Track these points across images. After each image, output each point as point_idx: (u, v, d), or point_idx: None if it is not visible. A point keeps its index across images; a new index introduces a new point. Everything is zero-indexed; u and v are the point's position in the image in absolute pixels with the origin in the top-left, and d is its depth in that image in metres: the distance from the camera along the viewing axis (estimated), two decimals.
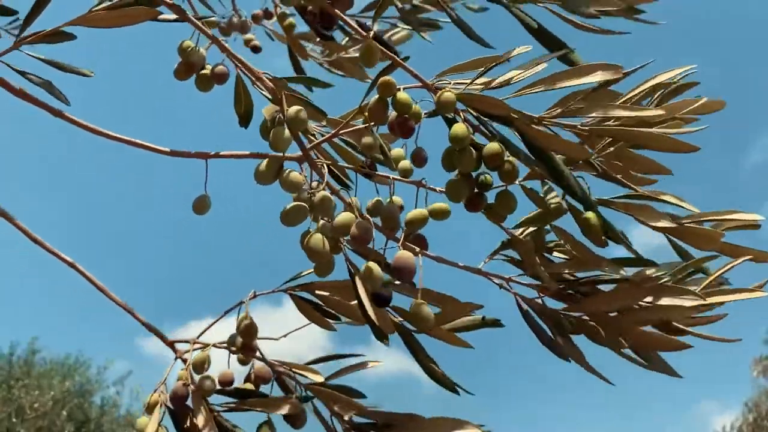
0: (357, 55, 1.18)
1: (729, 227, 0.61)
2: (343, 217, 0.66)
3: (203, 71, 0.81)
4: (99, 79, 0.76)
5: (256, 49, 1.34)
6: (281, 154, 0.70)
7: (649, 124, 0.59)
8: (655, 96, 0.66)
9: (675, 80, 0.64)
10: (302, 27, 1.22)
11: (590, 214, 0.63)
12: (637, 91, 0.63)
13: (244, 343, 0.69)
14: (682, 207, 0.63)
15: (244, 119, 0.86)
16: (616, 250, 0.66)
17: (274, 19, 1.26)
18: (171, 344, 0.72)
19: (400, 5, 0.83)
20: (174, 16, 0.78)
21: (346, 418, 0.65)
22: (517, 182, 0.68)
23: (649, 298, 0.57)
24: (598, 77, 0.60)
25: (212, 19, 0.84)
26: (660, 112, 0.57)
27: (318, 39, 1.13)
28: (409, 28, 1.08)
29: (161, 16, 0.77)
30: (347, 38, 1.14)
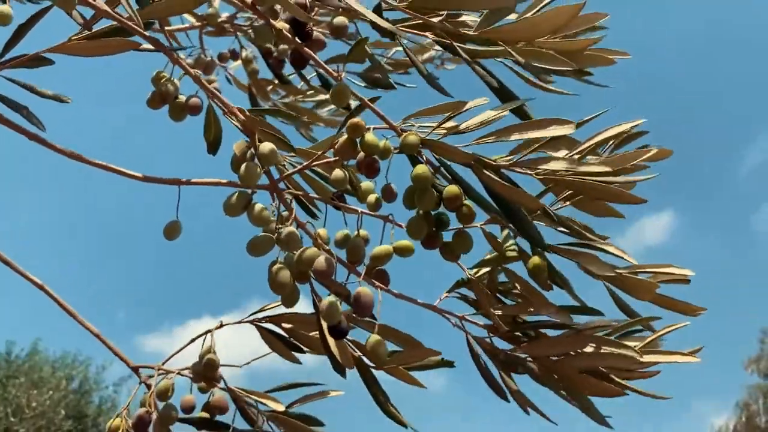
0: (313, 101, 1.22)
1: (663, 280, 0.66)
2: (307, 251, 0.69)
3: (176, 101, 0.83)
4: (76, 104, 0.78)
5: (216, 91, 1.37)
6: (250, 187, 0.73)
7: (593, 175, 0.62)
8: (609, 144, 0.71)
9: (627, 132, 0.67)
10: (264, 73, 1.25)
11: (536, 258, 0.67)
12: (592, 142, 0.67)
13: (206, 373, 0.72)
14: (623, 258, 0.67)
15: (213, 146, 0.88)
16: (563, 295, 0.70)
17: (238, 61, 1.29)
18: (135, 369, 0.74)
19: (369, 61, 0.87)
20: (150, 47, 0.80)
21: None
22: (477, 225, 0.71)
23: (589, 348, 0.61)
24: (551, 132, 0.63)
25: (182, 57, 0.87)
26: (604, 168, 0.61)
27: (277, 82, 1.16)
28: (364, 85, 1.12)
29: (141, 46, 0.79)
30: (303, 83, 1.18)
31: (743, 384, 10.00)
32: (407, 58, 1.15)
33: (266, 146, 0.71)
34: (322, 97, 1.21)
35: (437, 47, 0.87)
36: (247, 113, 0.73)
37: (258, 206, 0.71)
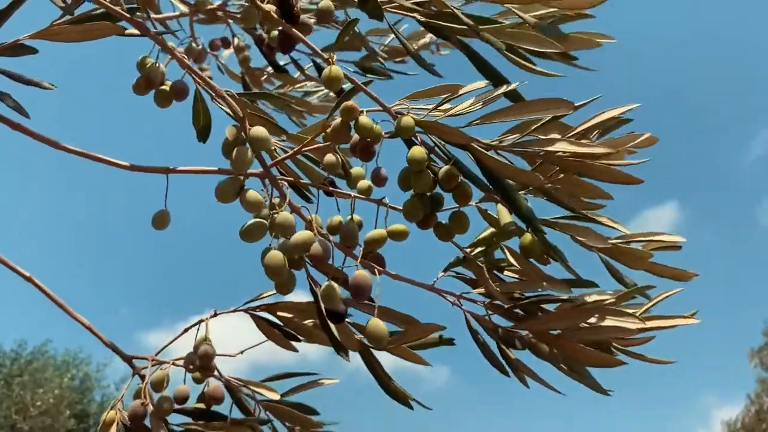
0: (308, 91, 1.20)
1: (655, 248, 0.67)
2: (301, 235, 0.68)
3: (162, 87, 0.82)
4: (59, 92, 0.76)
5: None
6: (242, 173, 0.72)
7: (593, 158, 0.63)
8: (597, 131, 0.71)
9: (617, 117, 0.68)
10: (257, 62, 1.22)
11: (527, 236, 0.68)
12: (584, 126, 0.68)
13: (201, 363, 0.71)
14: (616, 229, 0.68)
15: (202, 134, 0.87)
16: (561, 273, 0.71)
17: (230, 50, 1.26)
18: (129, 360, 0.73)
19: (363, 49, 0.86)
20: (135, 31, 0.78)
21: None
22: (473, 203, 0.72)
23: (592, 320, 0.62)
24: (549, 112, 0.64)
25: (170, 44, 0.84)
26: (605, 150, 0.61)
27: (272, 71, 1.14)
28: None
29: (126, 31, 0.77)
30: (299, 73, 1.16)
31: (755, 377, 10.13)
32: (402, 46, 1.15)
33: (258, 130, 0.70)
34: (318, 86, 1.19)
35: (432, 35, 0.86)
36: (237, 96, 0.72)
37: (251, 191, 0.70)
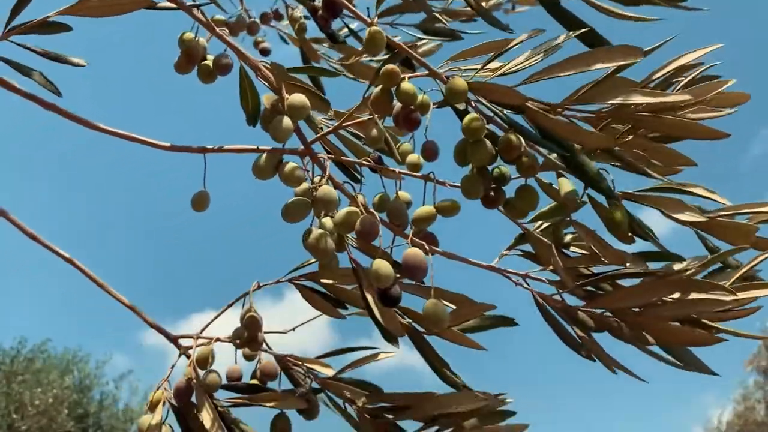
0: (372, 59, 1.14)
1: (761, 220, 0.57)
2: (346, 212, 0.62)
3: (204, 62, 0.78)
4: (92, 70, 0.73)
5: (265, 52, 1.30)
6: (281, 148, 0.66)
7: (672, 111, 0.55)
8: (676, 82, 0.62)
9: (698, 63, 0.59)
10: (314, 32, 1.17)
11: (617, 211, 0.59)
12: (657, 75, 0.60)
13: (249, 336, 0.66)
14: (713, 200, 0.59)
15: (252, 117, 0.82)
16: (635, 245, 0.63)
17: (285, 21, 1.22)
18: (174, 340, 0.68)
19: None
20: (170, 4, 0.74)
21: (359, 403, 0.62)
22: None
23: (675, 294, 0.53)
24: (616, 61, 0.56)
25: (219, 17, 0.80)
26: (686, 97, 0.53)
27: (331, 43, 1.09)
28: (433, 38, 1.03)
29: (159, 4, 0.74)
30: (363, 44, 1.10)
31: (741, 381, 9.85)
32: (467, 7, 1.07)
33: (296, 98, 0.65)
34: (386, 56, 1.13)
35: None
36: (272, 65, 0.67)
37: (290, 164, 0.65)
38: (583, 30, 0.58)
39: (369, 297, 0.59)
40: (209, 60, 0.78)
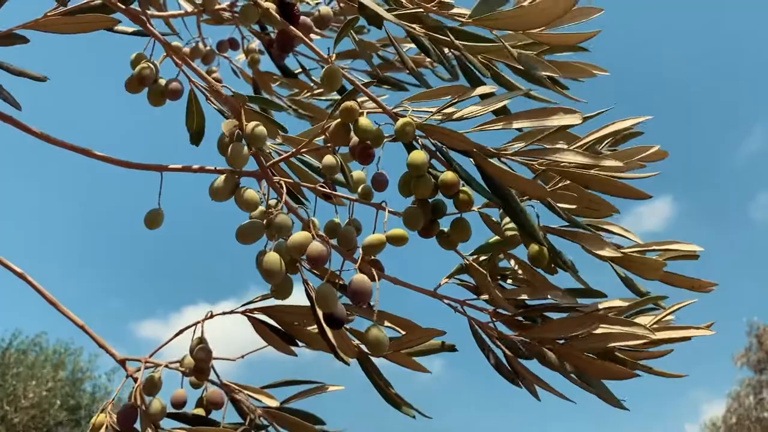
0: (327, 99, 1.17)
1: (670, 257, 0.65)
2: (299, 236, 0.66)
3: (155, 85, 0.79)
4: (50, 85, 0.74)
5: (216, 82, 1.30)
6: (238, 170, 0.69)
7: (602, 169, 0.62)
8: (606, 141, 0.70)
9: (629, 129, 0.67)
10: (267, 67, 1.20)
11: (535, 246, 0.66)
12: (593, 137, 0.67)
13: (197, 367, 0.68)
14: (627, 237, 0.67)
15: (196, 137, 0.84)
16: (567, 278, 0.69)
17: (239, 51, 1.23)
18: (122, 362, 0.69)
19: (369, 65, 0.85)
20: (130, 29, 0.76)
21: None
22: (475, 208, 0.70)
23: (600, 330, 0.60)
24: (557, 121, 0.62)
25: (175, 44, 0.81)
26: (616, 163, 0.60)
27: (283, 77, 1.12)
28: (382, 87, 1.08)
29: (117, 27, 0.75)
30: (313, 83, 1.14)
31: (735, 377, 10.18)
32: (419, 55, 1.13)
33: (255, 125, 0.68)
34: (335, 95, 1.17)
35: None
36: (233, 91, 0.70)
37: (247, 190, 0.68)
38: (521, 93, 0.64)
39: (321, 318, 0.63)
40: (161, 82, 0.80)
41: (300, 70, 1.14)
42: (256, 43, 1.18)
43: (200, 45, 1.17)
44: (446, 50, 0.78)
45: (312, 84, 1.13)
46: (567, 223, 0.69)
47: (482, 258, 0.70)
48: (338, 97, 1.19)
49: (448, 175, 0.66)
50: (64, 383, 8.17)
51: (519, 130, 0.66)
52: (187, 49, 1.15)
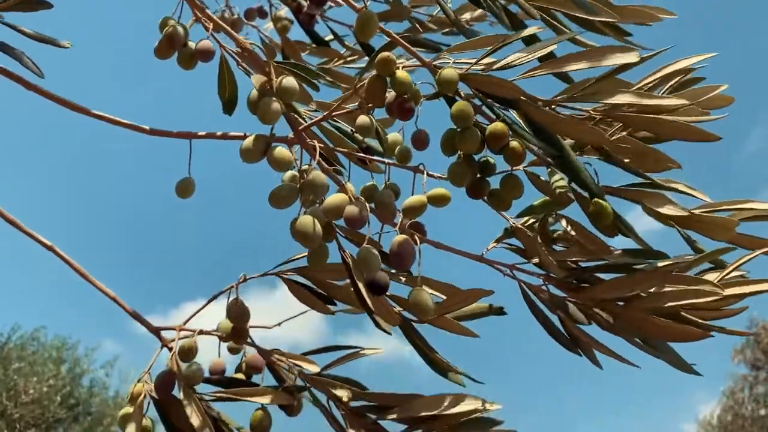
0: (356, 68, 1.13)
1: (744, 217, 0.59)
2: (335, 197, 0.62)
3: (185, 48, 0.76)
4: (76, 52, 0.71)
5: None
6: (269, 133, 0.66)
7: (664, 113, 0.56)
8: (667, 86, 0.64)
9: (691, 68, 0.61)
10: (300, 35, 1.16)
11: (603, 204, 0.60)
12: (650, 79, 0.61)
13: (235, 329, 0.65)
14: (694, 196, 0.60)
15: (229, 106, 0.81)
16: (619, 242, 0.64)
17: (267, 20, 1.20)
18: (157, 331, 0.67)
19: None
20: None
21: (344, 401, 0.61)
22: (521, 168, 0.65)
23: (661, 288, 0.54)
24: (614, 60, 0.57)
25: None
26: (681, 101, 0.54)
27: (313, 45, 1.09)
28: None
29: None
30: (346, 49, 1.10)
31: (731, 374, 9.93)
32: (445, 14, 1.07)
33: (287, 80, 0.64)
34: (362, 63, 1.12)
35: None
36: (265, 46, 0.67)
37: (278, 148, 0.64)
38: (573, 34, 0.59)
39: (360, 286, 0.59)
40: (190, 45, 0.77)
41: (332, 36, 1.10)
42: (284, 11, 1.14)
43: (226, 14, 1.15)
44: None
45: (344, 51, 1.09)
46: (624, 183, 0.63)
47: (530, 221, 0.65)
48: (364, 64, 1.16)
49: (498, 126, 0.61)
50: (65, 380, 8.24)
51: (567, 76, 0.61)
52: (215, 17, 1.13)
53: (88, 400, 8.42)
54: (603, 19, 0.68)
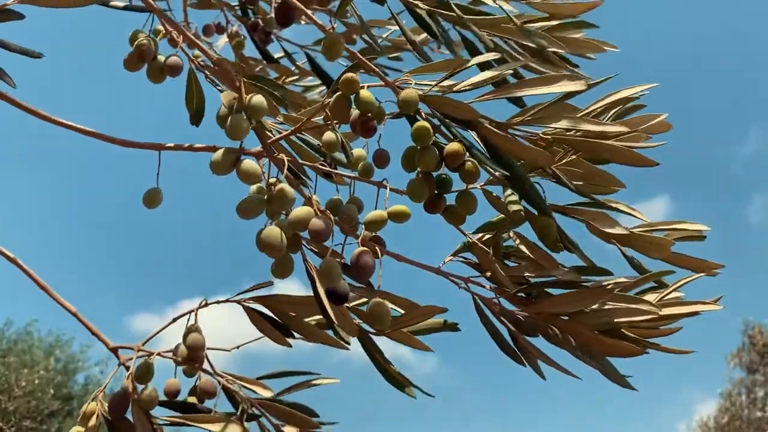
0: (303, 85, 1.17)
1: (678, 237, 0.63)
2: (301, 210, 0.64)
3: (155, 61, 0.78)
4: (46, 62, 0.73)
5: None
6: (238, 147, 0.68)
7: (607, 138, 0.60)
8: (611, 112, 0.68)
9: (633, 97, 0.65)
10: (253, 52, 1.19)
11: (548, 221, 0.64)
12: (596, 106, 0.65)
13: (190, 356, 0.66)
14: (634, 216, 0.64)
15: (196, 117, 0.83)
16: (570, 260, 0.68)
17: (224, 36, 1.23)
18: (114, 350, 0.68)
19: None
20: (123, 4, 0.75)
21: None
22: (478, 186, 0.68)
23: (604, 305, 0.58)
24: (563, 87, 0.60)
25: (160, 28, 0.81)
26: (623, 128, 0.58)
27: (266, 62, 1.11)
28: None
29: (111, 3, 0.74)
30: (295, 67, 1.13)
31: (727, 376, 10.08)
32: (400, 38, 1.12)
33: (255, 97, 0.66)
34: (315, 80, 1.16)
35: None
36: (235, 64, 0.69)
37: (247, 161, 0.67)
38: (520, 64, 0.63)
39: (321, 295, 0.62)
40: (160, 59, 0.78)
41: (282, 54, 1.14)
42: (239, 29, 1.18)
43: (186, 29, 1.17)
44: (447, 27, 0.77)
45: (294, 69, 1.13)
46: (572, 202, 0.67)
47: (486, 236, 0.68)
48: (317, 82, 1.20)
49: (454, 146, 0.65)
50: (57, 372, 8.26)
51: (520, 100, 0.64)
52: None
53: (82, 397, 8.38)
54: (552, 49, 0.72)
